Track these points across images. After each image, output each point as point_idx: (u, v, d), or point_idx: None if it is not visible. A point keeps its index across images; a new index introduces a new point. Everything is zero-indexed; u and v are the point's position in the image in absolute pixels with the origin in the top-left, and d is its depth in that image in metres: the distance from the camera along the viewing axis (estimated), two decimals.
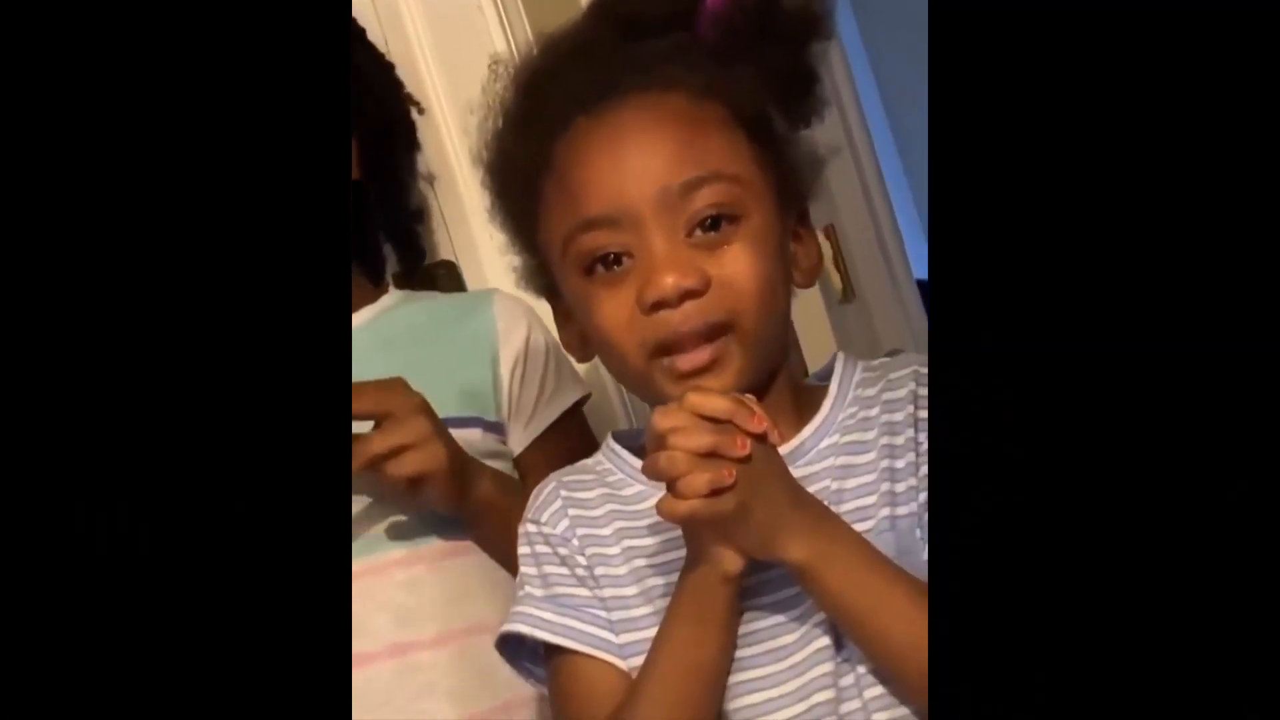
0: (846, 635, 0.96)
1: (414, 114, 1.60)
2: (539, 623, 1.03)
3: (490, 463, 1.35)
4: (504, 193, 1.08)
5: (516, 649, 1.07)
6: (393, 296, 1.46)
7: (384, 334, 1.40)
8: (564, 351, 1.37)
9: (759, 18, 1.02)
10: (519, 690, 1.25)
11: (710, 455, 0.91)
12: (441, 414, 1.29)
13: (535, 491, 1.09)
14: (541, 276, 1.08)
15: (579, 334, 1.07)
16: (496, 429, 1.37)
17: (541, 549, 1.06)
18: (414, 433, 1.22)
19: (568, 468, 1.12)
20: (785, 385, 1.04)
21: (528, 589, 1.05)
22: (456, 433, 1.30)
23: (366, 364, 1.24)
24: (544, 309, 1.17)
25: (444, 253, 1.72)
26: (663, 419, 0.92)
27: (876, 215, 2.06)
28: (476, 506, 1.28)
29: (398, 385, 1.24)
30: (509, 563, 1.26)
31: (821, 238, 1.74)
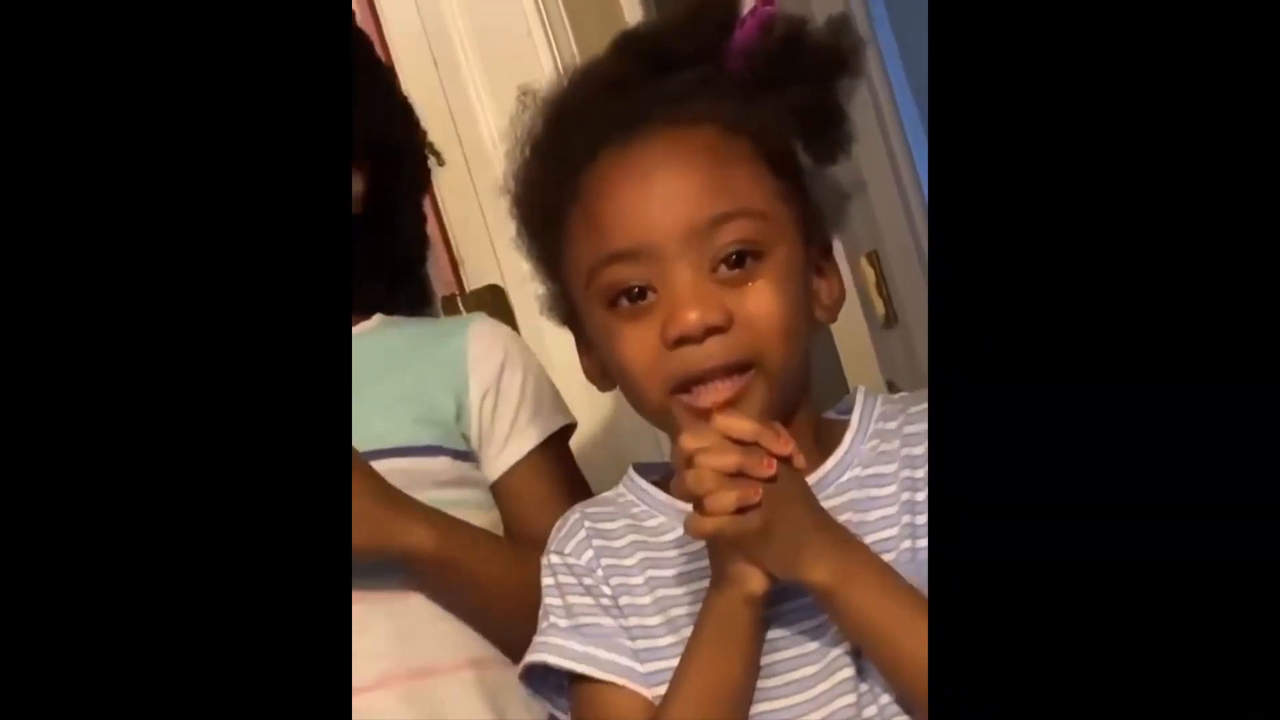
0: (868, 658, 0.97)
1: (433, 162, 1.55)
2: (563, 652, 1.03)
3: (462, 490, 1.32)
4: (529, 222, 1.08)
5: (540, 683, 1.06)
6: (373, 321, 1.42)
7: (357, 359, 1.36)
8: (544, 380, 1.39)
9: (787, 54, 1.02)
10: None
11: (737, 475, 0.92)
12: (404, 442, 1.28)
13: (559, 524, 1.09)
14: (564, 305, 1.08)
15: (600, 363, 1.07)
16: (466, 457, 1.34)
17: (566, 579, 1.06)
18: None
19: (590, 499, 1.12)
20: (806, 419, 1.05)
21: (552, 619, 1.05)
22: (420, 461, 1.29)
23: None
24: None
25: (492, 278, 1.73)
26: (691, 440, 0.93)
27: (919, 240, 2.06)
28: (410, 558, 1.25)
29: None
30: (454, 606, 1.27)
31: (864, 263, 1.74)
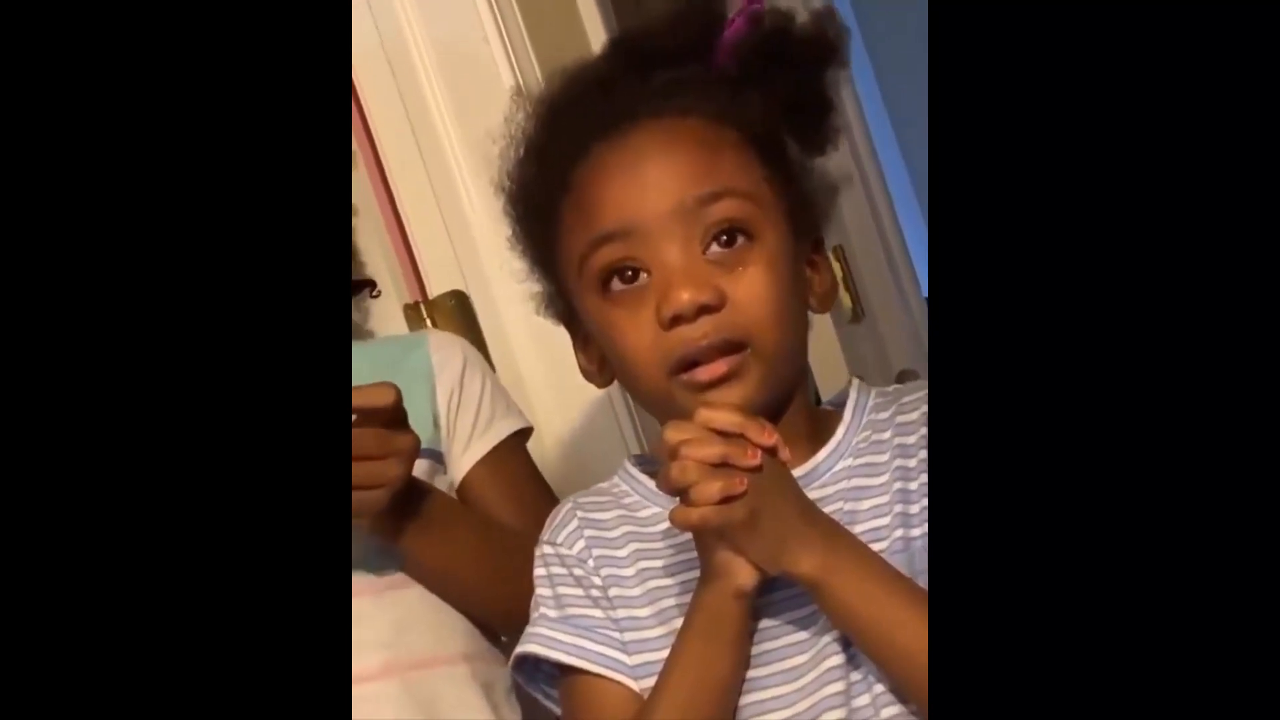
0: (859, 648, 0.97)
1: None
2: (552, 643, 1.04)
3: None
4: (523, 220, 1.09)
5: (532, 672, 1.07)
6: None
7: None
8: (499, 385, 1.42)
9: (774, 46, 1.03)
10: None
11: (721, 466, 0.92)
12: None
13: (553, 513, 1.10)
14: (560, 302, 1.09)
15: (598, 358, 1.08)
16: (437, 458, 1.37)
17: (557, 570, 1.07)
18: (392, 445, 1.19)
19: (584, 490, 1.12)
20: (801, 409, 1.05)
21: (542, 610, 1.06)
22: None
23: None
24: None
25: (454, 284, 1.73)
26: (674, 432, 0.94)
27: (885, 236, 2.07)
28: (418, 537, 1.26)
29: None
30: (446, 594, 1.29)
31: (831, 259, 1.75)
